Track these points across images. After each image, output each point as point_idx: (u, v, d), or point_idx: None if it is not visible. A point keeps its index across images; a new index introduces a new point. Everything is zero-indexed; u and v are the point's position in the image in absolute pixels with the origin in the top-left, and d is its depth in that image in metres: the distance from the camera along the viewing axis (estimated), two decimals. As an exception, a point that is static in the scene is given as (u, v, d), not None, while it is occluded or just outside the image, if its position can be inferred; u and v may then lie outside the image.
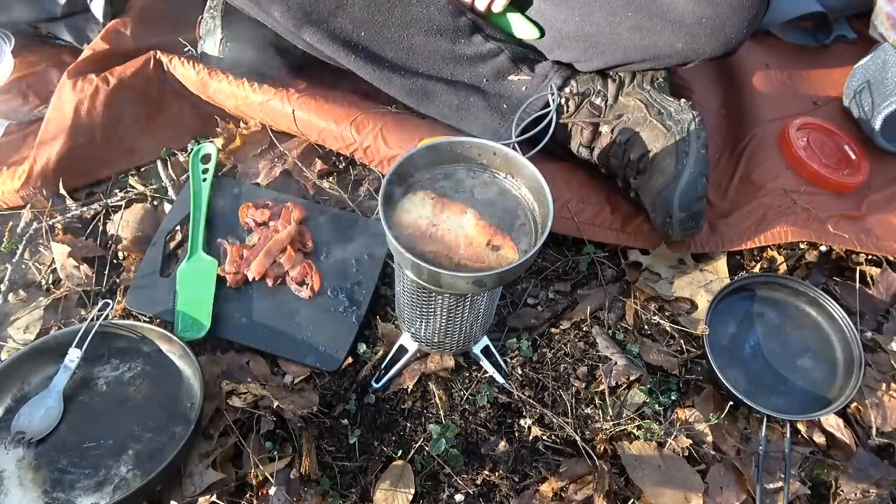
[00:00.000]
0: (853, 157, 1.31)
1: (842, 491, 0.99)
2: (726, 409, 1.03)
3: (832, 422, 1.04)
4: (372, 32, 1.10)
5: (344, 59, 1.14)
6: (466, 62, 1.14)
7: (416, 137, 1.20)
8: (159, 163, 1.27)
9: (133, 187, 1.24)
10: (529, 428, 1.01)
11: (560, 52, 1.17)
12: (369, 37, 1.11)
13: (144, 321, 1.08)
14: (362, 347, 1.08)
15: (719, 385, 1.04)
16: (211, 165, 1.23)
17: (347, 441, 1.00)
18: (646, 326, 1.13)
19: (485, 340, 1.05)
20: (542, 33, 1.16)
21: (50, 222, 1.19)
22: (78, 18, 1.36)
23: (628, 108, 1.15)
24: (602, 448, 1.00)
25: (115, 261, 1.17)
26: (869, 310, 1.18)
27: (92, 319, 1.02)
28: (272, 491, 0.92)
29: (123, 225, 1.20)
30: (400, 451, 0.99)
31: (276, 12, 1.09)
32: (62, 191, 1.21)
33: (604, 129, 1.17)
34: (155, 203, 1.24)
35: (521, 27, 1.17)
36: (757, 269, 1.20)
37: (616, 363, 1.06)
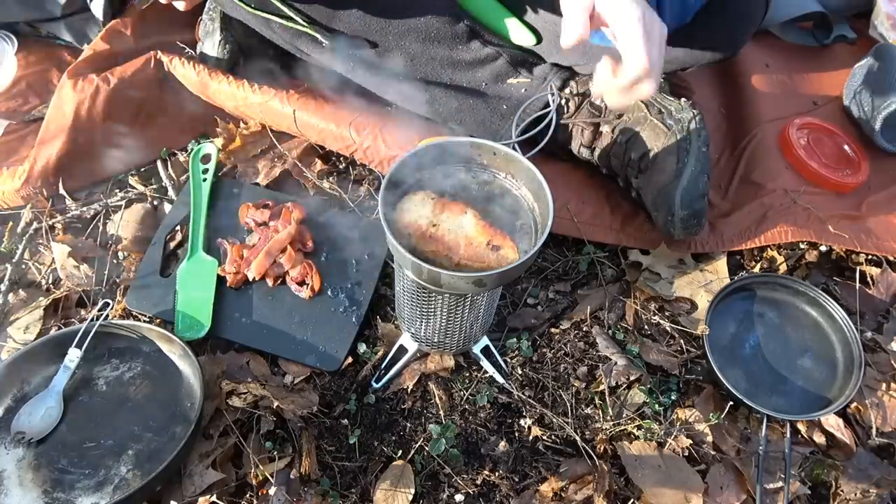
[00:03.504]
0: (853, 157, 1.31)
1: (842, 491, 0.99)
2: (726, 409, 1.03)
3: (832, 422, 1.04)
4: (370, 41, 1.10)
5: (341, 67, 1.14)
6: (465, 67, 1.14)
7: (416, 137, 1.20)
8: (159, 163, 1.27)
9: (133, 187, 1.24)
10: (529, 428, 1.01)
11: (559, 57, 1.17)
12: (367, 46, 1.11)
13: (144, 321, 1.08)
14: (362, 347, 1.08)
15: (719, 385, 1.04)
16: (211, 165, 1.23)
17: (347, 441, 1.00)
18: (646, 326, 1.13)
19: (485, 340, 1.05)
20: (539, 39, 1.16)
21: (50, 222, 1.19)
22: (78, 18, 1.36)
23: (628, 107, 1.15)
24: (602, 448, 1.00)
25: (115, 261, 1.17)
26: (869, 310, 1.18)
27: (92, 319, 1.02)
28: (272, 491, 0.92)
29: (123, 225, 1.20)
30: (400, 451, 0.99)
31: (274, 24, 1.09)
32: (62, 191, 1.21)
33: (604, 128, 1.17)
34: (155, 203, 1.24)
35: (518, 33, 1.16)
36: (757, 269, 1.20)
37: (616, 363, 1.06)
